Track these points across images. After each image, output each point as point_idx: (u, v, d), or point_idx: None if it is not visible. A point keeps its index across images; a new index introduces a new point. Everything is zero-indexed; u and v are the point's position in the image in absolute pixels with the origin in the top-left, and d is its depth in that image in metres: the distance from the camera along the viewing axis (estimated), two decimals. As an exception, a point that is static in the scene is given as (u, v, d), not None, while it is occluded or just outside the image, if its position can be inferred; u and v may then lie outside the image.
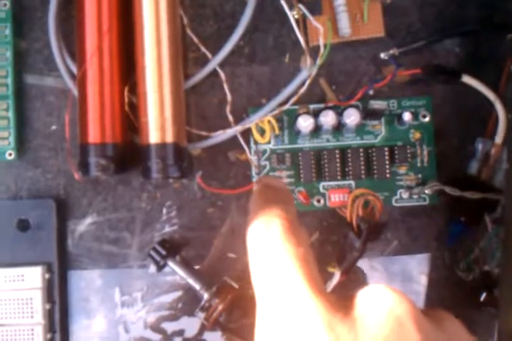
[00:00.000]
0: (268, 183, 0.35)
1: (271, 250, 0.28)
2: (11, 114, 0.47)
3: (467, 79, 0.45)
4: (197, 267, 0.46)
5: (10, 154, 0.47)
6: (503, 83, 0.44)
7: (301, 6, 0.46)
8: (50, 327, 0.45)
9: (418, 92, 0.46)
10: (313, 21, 0.45)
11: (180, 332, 0.46)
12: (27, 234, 0.46)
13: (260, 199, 0.33)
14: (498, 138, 0.44)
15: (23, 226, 0.46)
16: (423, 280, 0.46)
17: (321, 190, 0.46)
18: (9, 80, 0.47)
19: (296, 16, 0.46)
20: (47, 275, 0.45)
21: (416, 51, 0.46)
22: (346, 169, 0.45)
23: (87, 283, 0.47)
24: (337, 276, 0.42)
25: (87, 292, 0.47)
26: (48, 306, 0.45)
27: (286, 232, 0.29)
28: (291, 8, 0.46)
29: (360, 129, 0.45)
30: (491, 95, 0.44)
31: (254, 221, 0.30)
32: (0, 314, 0.45)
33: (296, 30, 0.45)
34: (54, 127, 0.48)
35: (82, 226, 0.47)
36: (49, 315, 0.45)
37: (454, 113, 0.46)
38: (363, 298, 0.27)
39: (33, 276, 0.45)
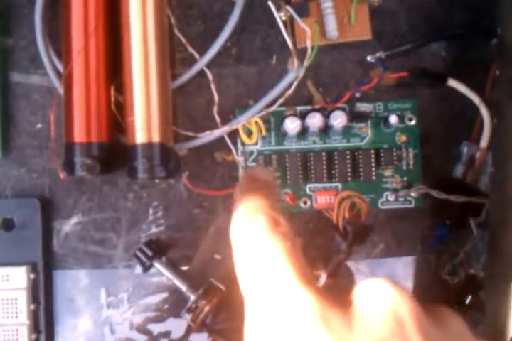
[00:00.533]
0: (255, 174, 0.34)
1: (256, 244, 0.28)
2: (-5, 112, 0.47)
3: (453, 82, 0.45)
4: (185, 268, 0.46)
5: (-5, 153, 0.46)
6: (488, 87, 0.45)
7: (288, 7, 0.46)
8: (35, 328, 0.45)
9: (404, 95, 0.47)
10: (300, 23, 0.45)
11: (166, 334, 0.46)
12: (11, 234, 0.46)
13: (245, 190, 0.32)
14: (483, 142, 0.44)
15: (8, 225, 0.46)
16: (408, 283, 0.46)
17: (308, 191, 0.46)
18: (-5, 78, 0.47)
19: (284, 18, 0.46)
20: (32, 276, 0.45)
21: (402, 54, 0.47)
22: (333, 171, 0.45)
23: (73, 283, 0.46)
24: (323, 278, 0.42)
25: (73, 292, 0.46)
26: (32, 306, 0.45)
27: (271, 226, 0.28)
28: (278, 9, 0.46)
29: (346, 132, 0.46)
30: (476, 99, 0.45)
31: (237, 215, 0.30)
32: (-16, 314, 0.45)
33: (283, 31, 0.45)
34: (39, 126, 0.47)
35: (68, 226, 0.47)
36: (34, 315, 0.45)
37: (440, 116, 0.47)
38: (362, 292, 0.26)
39: (18, 276, 0.45)
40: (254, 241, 0.28)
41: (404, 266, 0.46)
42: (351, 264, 0.45)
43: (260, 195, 0.31)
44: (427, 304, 0.27)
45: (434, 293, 0.46)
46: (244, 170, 0.46)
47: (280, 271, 0.26)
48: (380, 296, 0.25)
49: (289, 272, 0.26)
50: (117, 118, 0.45)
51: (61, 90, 0.46)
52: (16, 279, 0.45)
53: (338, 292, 0.26)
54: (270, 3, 0.45)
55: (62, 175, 0.44)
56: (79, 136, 0.43)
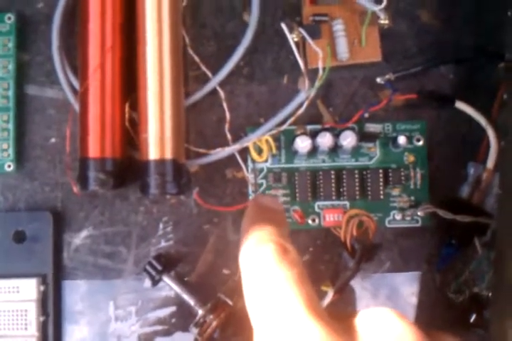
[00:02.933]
0: (263, 203, 0.34)
1: (264, 272, 0.28)
2: (11, 126, 0.48)
3: (460, 105, 0.46)
4: (186, 279, 0.46)
5: (9, 166, 0.47)
6: (495, 110, 0.46)
7: (301, 29, 0.47)
8: (43, 340, 0.45)
9: (412, 116, 0.47)
10: (313, 45, 0.46)
11: (173, 348, 0.46)
12: (23, 246, 0.46)
13: (253, 219, 0.32)
14: (490, 163, 0.45)
15: (20, 237, 0.47)
16: (413, 301, 0.46)
17: (316, 209, 0.46)
18: (11, 92, 0.48)
19: (296, 39, 0.47)
20: (42, 288, 0.46)
21: (411, 76, 0.48)
22: (341, 189, 0.46)
23: (82, 295, 0.47)
24: (330, 295, 0.43)
25: (82, 305, 0.47)
26: (42, 318, 0.45)
27: (280, 254, 0.28)
28: (291, 31, 0.47)
29: (355, 151, 0.46)
30: (482, 121, 0.46)
31: (246, 242, 0.30)
32: (-6, 325, 0.45)
33: (295, 52, 0.46)
34: (53, 140, 0.48)
35: (78, 239, 0.47)
36: (43, 327, 0.45)
37: (447, 137, 0.47)
38: (368, 322, 0.25)
39: (28, 288, 0.45)
40: (263, 269, 0.28)
41: (410, 284, 0.46)
42: (357, 282, 0.46)
43: (268, 222, 0.31)
44: (432, 332, 0.26)
45: (439, 312, 0.46)
46: (253, 189, 0.47)
47: (288, 301, 0.26)
48: (388, 328, 0.25)
49: (296, 302, 0.26)
50: (131, 134, 0.46)
51: (76, 106, 0.47)
52: (26, 291, 0.45)
53: (340, 316, 0.26)
54: (283, 25, 0.46)
55: (75, 189, 0.45)
56: (93, 151, 0.44)
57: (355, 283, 0.46)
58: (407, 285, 0.47)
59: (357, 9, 0.48)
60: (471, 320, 0.44)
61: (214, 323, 0.43)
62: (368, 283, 0.47)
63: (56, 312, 0.46)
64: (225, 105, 0.48)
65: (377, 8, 0.46)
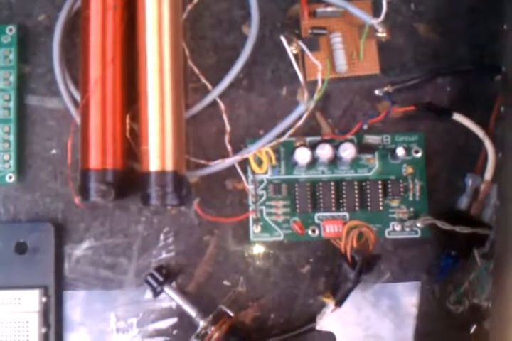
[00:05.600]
0: None
1: None
2: (12, 137, 0.48)
3: (458, 117, 0.47)
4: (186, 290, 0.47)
5: (10, 177, 0.48)
6: (492, 122, 0.46)
7: (299, 42, 0.47)
8: (45, 351, 0.46)
9: (411, 128, 0.48)
10: (311, 58, 0.46)
11: (175, 359, 0.47)
12: (24, 257, 0.46)
13: None
14: (488, 175, 0.45)
15: (21, 249, 0.47)
16: (413, 312, 0.47)
17: (316, 220, 0.47)
18: (12, 104, 0.48)
19: (295, 52, 0.48)
20: (44, 299, 0.46)
21: (409, 88, 0.48)
22: (341, 200, 0.46)
23: (83, 307, 0.47)
24: (331, 306, 0.43)
25: (83, 316, 0.47)
26: (43, 330, 0.45)
27: None
28: (290, 43, 0.47)
29: (354, 162, 0.47)
30: (480, 133, 0.46)
31: None
32: (-4, 337, 0.45)
33: (294, 64, 0.47)
34: (54, 151, 0.49)
35: (79, 250, 0.48)
36: (45, 338, 0.45)
37: (445, 149, 0.48)
38: None
39: (30, 299, 0.45)
40: None
41: (410, 295, 0.47)
42: (358, 293, 0.46)
43: None
44: None
45: (439, 322, 0.47)
46: (253, 200, 0.47)
47: None
48: None
49: None
50: (132, 146, 0.46)
51: (77, 117, 0.47)
52: (28, 302, 0.45)
53: None
54: (282, 37, 0.47)
55: (76, 200, 0.45)
56: (94, 162, 0.44)
57: (356, 294, 0.46)
58: (407, 296, 0.47)
59: (355, 22, 0.48)
60: (472, 330, 0.44)
61: (215, 335, 0.43)
62: (369, 294, 0.47)
63: (58, 324, 0.46)
64: (224, 117, 0.48)
65: (374, 22, 0.47)
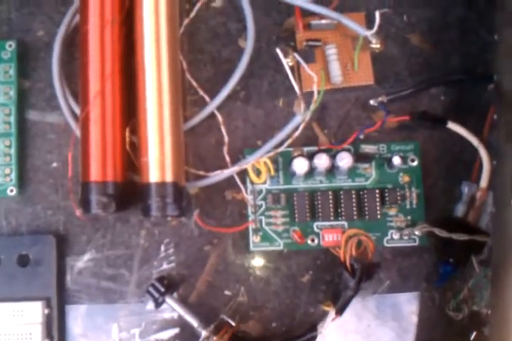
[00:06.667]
0: None
1: None
2: (13, 151, 0.49)
3: (452, 125, 0.47)
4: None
5: (11, 190, 0.48)
6: (486, 130, 0.47)
7: (295, 54, 0.48)
8: (48, 363, 0.46)
9: (406, 137, 0.49)
10: (307, 69, 0.47)
11: (177, 369, 0.47)
12: (27, 270, 0.47)
13: None
14: (483, 182, 0.46)
15: (23, 261, 0.47)
16: (413, 319, 0.47)
17: (315, 229, 0.47)
18: (12, 118, 0.49)
19: (291, 64, 0.49)
20: (46, 311, 0.46)
21: (403, 98, 0.49)
22: (339, 210, 0.47)
23: (85, 318, 0.47)
24: (331, 315, 0.43)
25: (85, 328, 0.47)
26: (46, 341, 0.46)
27: None
28: (286, 55, 0.48)
29: (351, 172, 0.48)
30: (474, 141, 0.47)
31: None
32: (-1, 349, 0.45)
33: (290, 76, 0.47)
34: (55, 164, 0.49)
35: (81, 262, 0.48)
36: (48, 350, 0.46)
37: (441, 157, 0.49)
38: None
39: (33, 311, 0.46)
40: None
41: (409, 303, 0.47)
42: (358, 301, 0.47)
43: None
44: None
45: (439, 329, 0.47)
46: (252, 210, 0.47)
47: None
48: None
49: None
50: (132, 158, 0.46)
51: (77, 130, 0.47)
52: (31, 314, 0.46)
53: None
54: (278, 50, 0.48)
55: (78, 212, 0.45)
56: (95, 175, 0.45)
57: (357, 303, 0.46)
58: (407, 304, 0.47)
59: (349, 34, 0.49)
60: (472, 337, 0.45)
61: (218, 344, 0.44)
62: (369, 303, 0.47)
63: (60, 335, 0.47)
64: (222, 128, 0.49)
65: (368, 33, 0.47)
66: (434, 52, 0.50)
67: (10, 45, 0.49)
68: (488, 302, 0.43)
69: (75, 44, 0.49)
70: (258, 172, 0.47)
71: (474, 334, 0.45)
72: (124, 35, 0.47)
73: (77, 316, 0.47)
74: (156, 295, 0.45)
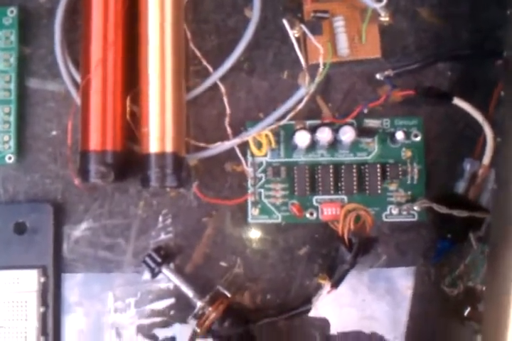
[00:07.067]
0: None
1: None
2: (12, 119, 0.48)
3: (458, 101, 0.46)
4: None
5: (10, 158, 0.48)
6: (492, 107, 0.46)
7: (302, 25, 0.47)
8: (43, 331, 0.46)
9: (410, 112, 0.48)
10: (313, 41, 0.46)
11: (171, 339, 0.47)
12: (23, 238, 0.47)
13: None
14: (486, 160, 0.45)
15: (20, 229, 0.47)
16: (408, 294, 0.47)
17: (314, 203, 0.47)
18: (12, 85, 0.49)
19: (297, 35, 0.48)
20: (42, 279, 0.46)
21: (409, 73, 0.48)
22: (339, 184, 0.46)
23: (81, 287, 0.47)
24: (327, 288, 0.43)
25: (81, 296, 0.47)
26: (42, 309, 0.46)
27: None
28: (292, 26, 0.47)
29: (354, 146, 0.47)
30: (479, 118, 0.46)
31: None
32: (-5, 316, 0.46)
33: (296, 48, 0.47)
34: (54, 132, 0.49)
35: (78, 231, 0.48)
36: (43, 318, 0.46)
37: (444, 133, 0.48)
38: None
39: (29, 279, 0.46)
40: None
41: (405, 278, 0.47)
42: (354, 275, 0.46)
43: None
44: None
45: (433, 305, 0.47)
46: (252, 182, 0.47)
47: None
48: None
49: None
50: (132, 128, 0.46)
51: (77, 99, 0.47)
52: (27, 282, 0.46)
53: None
54: (284, 21, 0.47)
55: (76, 181, 0.45)
56: (94, 144, 0.45)
57: (352, 277, 0.46)
58: (403, 279, 0.47)
59: (357, 6, 0.48)
60: (466, 313, 0.45)
61: (212, 315, 0.43)
62: (365, 277, 0.47)
63: (56, 304, 0.47)
64: (225, 100, 0.48)
65: (377, 6, 0.47)
66: (444, 26, 0.49)
67: (11, 11, 0.49)
68: (484, 278, 0.43)
69: (78, 11, 0.49)
70: (259, 145, 0.47)
71: (468, 309, 0.44)
72: (128, 3, 0.46)
73: (73, 285, 0.47)
74: (153, 265, 0.45)
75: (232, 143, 0.47)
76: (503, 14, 0.44)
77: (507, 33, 0.43)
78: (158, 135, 0.44)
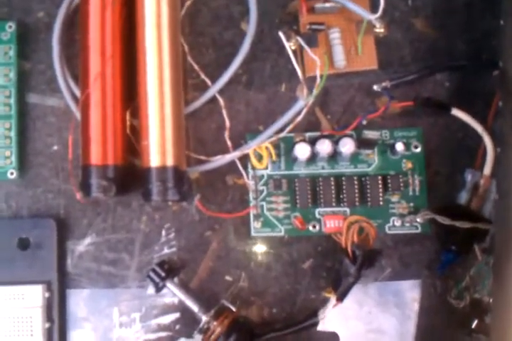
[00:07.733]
0: None
1: None
2: (13, 134, 0.48)
3: (456, 112, 0.47)
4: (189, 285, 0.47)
5: (12, 173, 0.48)
6: (490, 117, 0.46)
7: (298, 37, 0.48)
8: (48, 346, 0.46)
9: (409, 123, 0.48)
10: (310, 53, 0.46)
11: (177, 354, 0.47)
12: (27, 253, 0.47)
13: None
14: (487, 170, 0.46)
15: (24, 245, 0.47)
16: (415, 306, 0.47)
17: (317, 215, 0.47)
18: (12, 100, 0.49)
19: (294, 47, 0.48)
20: (47, 294, 0.46)
21: (407, 84, 0.48)
22: (341, 196, 0.47)
23: (86, 302, 0.47)
24: (332, 301, 0.43)
25: (86, 311, 0.47)
26: (47, 325, 0.46)
27: None
28: (288, 39, 0.47)
29: (354, 158, 0.47)
30: (478, 128, 0.46)
31: None
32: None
33: (293, 60, 0.47)
34: (55, 147, 0.49)
35: (82, 246, 0.48)
36: (48, 333, 0.46)
37: (444, 144, 0.48)
38: None
39: (34, 295, 0.46)
40: None
41: (411, 290, 0.47)
42: (359, 288, 0.46)
43: None
44: None
45: (440, 317, 0.47)
46: (254, 195, 0.47)
47: None
48: None
49: None
50: (132, 141, 0.46)
51: (77, 113, 0.47)
52: (31, 298, 0.46)
53: None
54: (281, 33, 0.47)
55: (78, 196, 0.45)
56: (95, 158, 0.45)
57: (358, 290, 0.46)
58: (409, 291, 0.47)
59: (353, 18, 0.49)
60: (473, 325, 0.45)
61: (218, 330, 0.43)
62: (371, 290, 0.47)
63: (61, 319, 0.47)
64: (224, 112, 0.48)
65: (372, 17, 0.47)
66: (439, 37, 0.50)
67: (10, 26, 0.49)
68: (490, 290, 0.43)
69: (76, 25, 0.49)
70: (260, 158, 0.47)
71: (476, 322, 0.45)
72: (125, 17, 0.46)
73: (78, 300, 0.47)
74: (157, 279, 0.45)
75: (233, 155, 0.47)
76: (497, 24, 0.45)
77: (501, 43, 0.44)
78: (159, 148, 0.44)
